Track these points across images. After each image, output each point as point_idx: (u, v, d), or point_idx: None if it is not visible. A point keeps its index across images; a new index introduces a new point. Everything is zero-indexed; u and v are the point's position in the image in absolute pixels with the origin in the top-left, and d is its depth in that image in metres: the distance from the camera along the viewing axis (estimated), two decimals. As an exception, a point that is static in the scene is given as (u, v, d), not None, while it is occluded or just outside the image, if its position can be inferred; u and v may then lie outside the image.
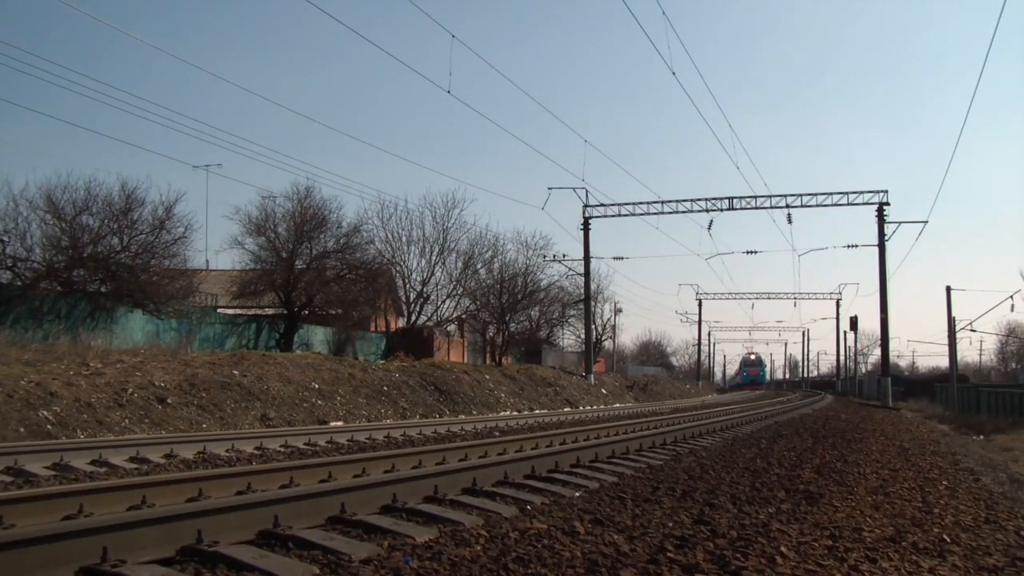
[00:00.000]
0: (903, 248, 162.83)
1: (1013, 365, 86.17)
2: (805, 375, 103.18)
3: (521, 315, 43.50)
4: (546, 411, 25.51)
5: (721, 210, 36.75)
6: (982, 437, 19.95)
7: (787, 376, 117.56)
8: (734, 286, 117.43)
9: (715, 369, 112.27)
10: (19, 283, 21.56)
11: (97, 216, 23.16)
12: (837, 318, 70.16)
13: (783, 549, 4.22)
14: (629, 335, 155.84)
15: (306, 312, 31.59)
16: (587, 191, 38.42)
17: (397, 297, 38.46)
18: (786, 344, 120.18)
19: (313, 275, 30.67)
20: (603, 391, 38.31)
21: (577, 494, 6.24)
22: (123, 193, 23.50)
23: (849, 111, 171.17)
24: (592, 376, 39.16)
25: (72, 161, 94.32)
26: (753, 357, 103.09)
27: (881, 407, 33.16)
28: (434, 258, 37.92)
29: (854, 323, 58.19)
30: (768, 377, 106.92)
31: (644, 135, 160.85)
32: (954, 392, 39.36)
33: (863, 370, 79.75)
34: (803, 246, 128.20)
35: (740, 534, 4.60)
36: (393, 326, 38.71)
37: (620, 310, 63.93)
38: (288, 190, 31.85)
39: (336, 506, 4.87)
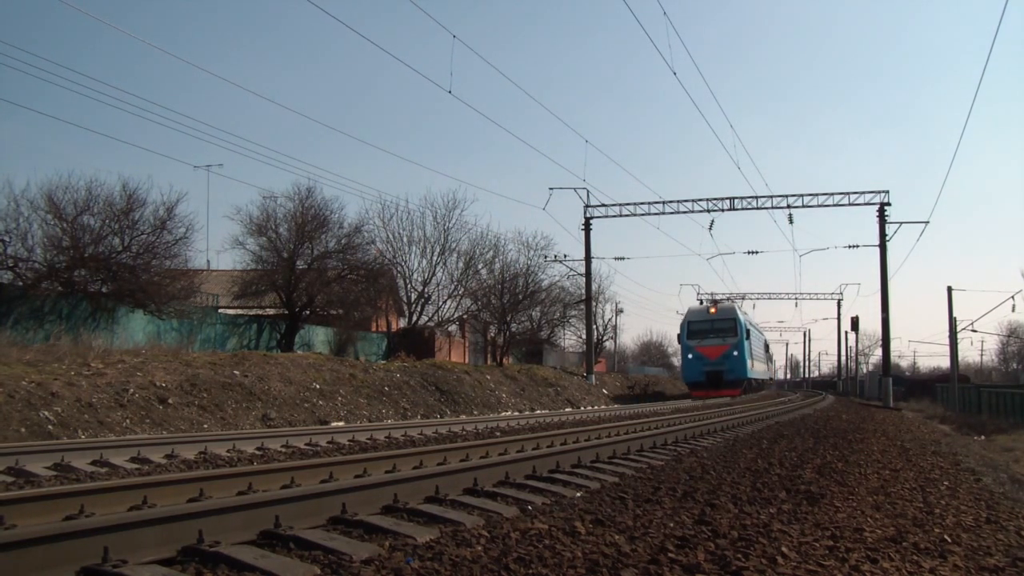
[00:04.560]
0: (904, 248, 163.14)
1: (1014, 365, 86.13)
2: (806, 375, 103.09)
3: (522, 315, 43.51)
4: (547, 411, 25.49)
5: (722, 210, 36.68)
6: (983, 437, 19.93)
7: (788, 376, 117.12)
8: (735, 286, 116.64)
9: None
10: (20, 283, 21.59)
11: (98, 216, 23.20)
12: (838, 318, 70.18)
13: (784, 549, 4.21)
14: (630, 335, 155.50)
15: (307, 312, 31.61)
16: (588, 191, 38.12)
17: (398, 297, 38.48)
18: (787, 344, 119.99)
19: (314, 275, 30.70)
20: (604, 391, 38.30)
21: (578, 494, 6.24)
22: (124, 193, 23.55)
23: (851, 111, 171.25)
24: (593, 376, 39.15)
25: (73, 161, 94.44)
26: (712, 311, 42.97)
27: (882, 407, 33.15)
28: (435, 258, 37.95)
29: (855, 323, 58.14)
30: (751, 364, 43.84)
31: (645, 135, 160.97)
32: (955, 392, 39.35)
33: (864, 370, 79.77)
34: (804, 246, 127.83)
35: (741, 534, 4.60)
36: (394, 326, 38.73)
37: (621, 310, 63.95)
38: (289, 190, 31.83)
39: (337, 506, 4.87)
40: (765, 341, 58.57)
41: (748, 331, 41.14)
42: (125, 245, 23.58)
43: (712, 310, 41.79)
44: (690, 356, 40.48)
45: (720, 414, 17.92)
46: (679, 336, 41.72)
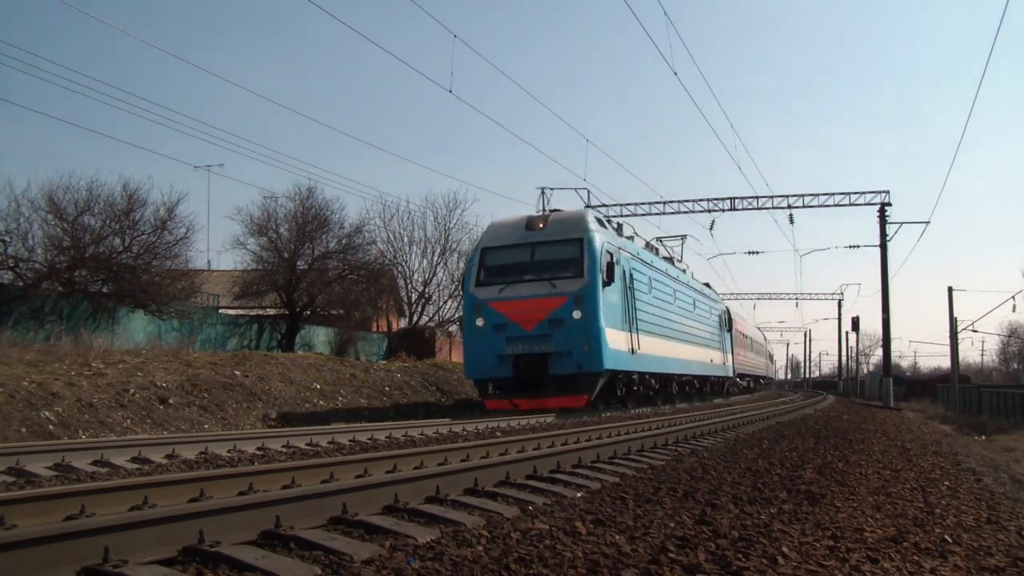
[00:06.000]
0: (905, 248, 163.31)
1: (1015, 365, 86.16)
2: (807, 375, 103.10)
3: (523, 315, 43.29)
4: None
5: (723, 210, 36.55)
6: (984, 437, 19.93)
7: (788, 376, 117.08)
8: (736, 286, 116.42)
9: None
10: (21, 283, 21.62)
11: (99, 216, 23.26)
12: (839, 318, 70.04)
13: (785, 549, 4.21)
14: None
15: (308, 312, 31.64)
16: (589, 191, 37.71)
17: (399, 297, 38.52)
18: (788, 344, 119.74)
19: (315, 275, 30.74)
20: (605, 391, 38.14)
21: (579, 494, 6.24)
22: (125, 193, 23.64)
23: (851, 111, 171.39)
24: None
25: (74, 162, 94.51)
26: (540, 225, 18.55)
27: (883, 407, 33.13)
28: (436, 258, 37.96)
29: (856, 323, 58.13)
30: (632, 340, 19.40)
31: (646, 135, 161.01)
32: (956, 392, 39.36)
33: (865, 370, 79.72)
34: (805, 246, 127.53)
35: (742, 534, 4.60)
36: (395, 326, 38.75)
37: (622, 310, 63.48)
38: (290, 190, 32.04)
39: (338, 506, 4.87)
40: (726, 312, 35.53)
41: (627, 270, 19.77)
42: (126, 245, 23.62)
43: (540, 224, 18.72)
44: (479, 323, 18.24)
45: (720, 415, 17.91)
46: (463, 281, 21.58)
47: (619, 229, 21.55)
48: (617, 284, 18.81)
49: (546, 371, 17.51)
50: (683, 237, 30.94)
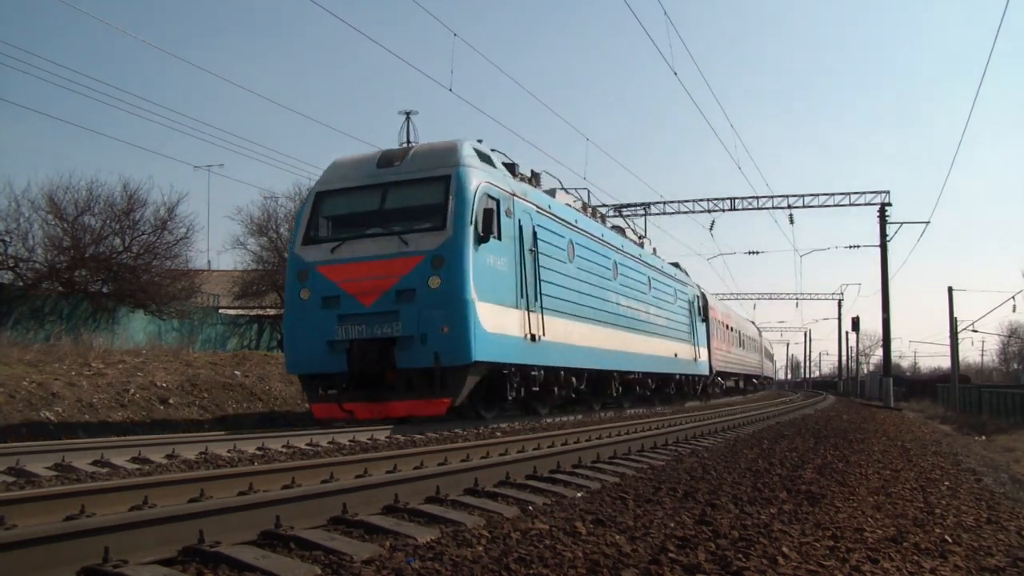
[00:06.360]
0: (905, 248, 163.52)
1: (1015, 366, 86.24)
2: (807, 375, 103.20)
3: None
4: (548, 411, 25.44)
5: (723, 210, 36.59)
6: (984, 438, 19.93)
7: (789, 376, 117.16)
8: (736, 286, 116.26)
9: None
10: (21, 283, 21.67)
11: (99, 217, 23.33)
12: (839, 318, 70.19)
13: (785, 549, 4.21)
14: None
15: (308, 313, 31.60)
16: (589, 191, 37.74)
17: (399, 297, 38.41)
18: (788, 344, 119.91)
19: (315, 276, 30.70)
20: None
21: (579, 494, 6.24)
22: (125, 194, 23.71)
23: (851, 111, 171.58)
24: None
25: (74, 162, 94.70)
26: (397, 162, 13.46)
27: (883, 407, 33.14)
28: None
29: (856, 323, 58.18)
30: (528, 322, 13.92)
31: (646, 135, 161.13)
32: (956, 392, 39.38)
33: (865, 370, 79.78)
34: (805, 246, 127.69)
35: (742, 534, 4.60)
36: (395, 326, 38.69)
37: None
38: (290, 190, 32.01)
39: (338, 506, 4.87)
40: (700, 298, 29.66)
41: (528, 227, 14.63)
42: (126, 245, 23.67)
43: (397, 160, 13.60)
44: (303, 295, 13.00)
45: (721, 415, 17.92)
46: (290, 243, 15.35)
47: (534, 179, 16.45)
48: (506, 243, 13.69)
49: (392, 364, 12.58)
50: (646, 206, 27.03)
